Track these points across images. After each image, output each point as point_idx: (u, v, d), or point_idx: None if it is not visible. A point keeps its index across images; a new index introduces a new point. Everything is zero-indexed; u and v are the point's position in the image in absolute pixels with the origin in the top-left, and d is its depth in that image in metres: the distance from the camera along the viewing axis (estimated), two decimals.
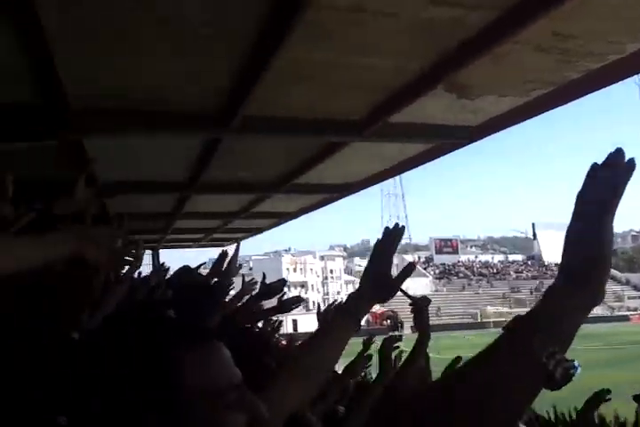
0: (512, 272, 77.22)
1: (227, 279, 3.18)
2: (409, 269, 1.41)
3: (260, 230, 13.39)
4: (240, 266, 3.41)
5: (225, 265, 3.57)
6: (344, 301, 1.35)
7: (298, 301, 3.51)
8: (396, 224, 1.40)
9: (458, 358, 2.24)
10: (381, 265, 1.36)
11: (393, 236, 1.41)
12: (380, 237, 1.40)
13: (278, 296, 3.67)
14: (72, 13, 2.77)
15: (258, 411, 0.89)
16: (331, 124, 4.51)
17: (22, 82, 3.38)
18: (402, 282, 1.35)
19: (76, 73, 3.34)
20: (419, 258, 78.09)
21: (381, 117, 4.32)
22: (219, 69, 3.47)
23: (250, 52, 3.19)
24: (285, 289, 3.81)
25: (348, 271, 73.45)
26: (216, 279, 3.55)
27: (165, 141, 4.88)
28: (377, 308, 52.57)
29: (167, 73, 3.53)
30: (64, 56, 3.06)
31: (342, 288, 63.65)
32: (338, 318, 1.29)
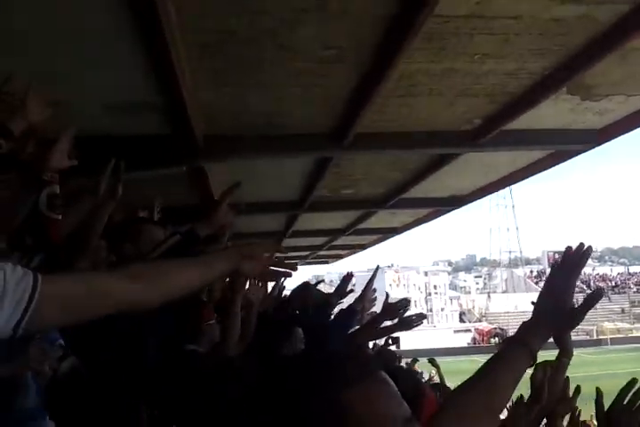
0: (632, 285, 71.82)
1: (359, 304, 3.09)
2: (596, 296, 1.23)
3: (363, 247, 13.42)
4: (375, 290, 3.32)
5: (349, 287, 3.54)
6: (517, 331, 1.19)
7: (421, 317, 3.34)
8: (581, 244, 1.20)
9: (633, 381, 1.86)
10: (562, 292, 1.19)
11: (577, 258, 1.21)
12: (557, 259, 1.23)
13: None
14: (206, 59, 2.96)
15: None
16: (443, 135, 4.44)
17: (154, 115, 3.63)
18: (586, 311, 1.18)
19: (200, 104, 3.54)
20: (530, 272, 74.53)
21: (497, 126, 4.19)
22: (334, 90, 3.53)
23: (366, 68, 3.22)
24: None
25: (453, 287, 71.60)
26: (342, 300, 3.53)
27: (280, 163, 5.02)
28: (483, 325, 50.49)
29: (283, 98, 3.65)
30: (191, 90, 3.25)
31: (446, 304, 62.01)
32: (510, 350, 1.14)
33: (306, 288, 4.12)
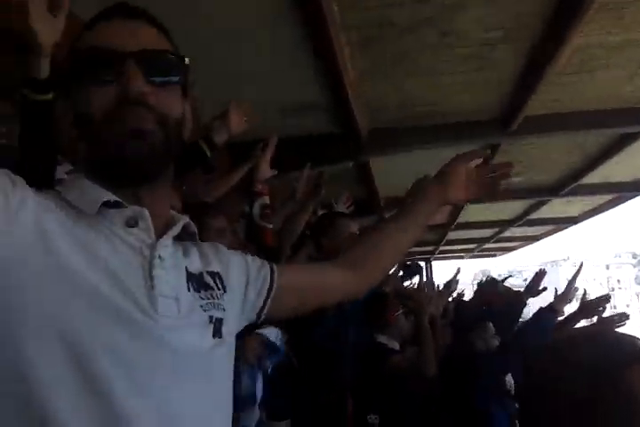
0: None
1: (561, 304, 2.90)
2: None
3: (536, 238, 12.67)
4: (577, 289, 3.12)
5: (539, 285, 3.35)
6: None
7: (624, 317, 2.90)
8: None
9: None
10: None
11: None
12: None
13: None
14: (368, 55, 3.04)
15: None
16: (624, 113, 4.05)
17: (320, 114, 3.80)
18: None
19: (364, 99, 3.63)
20: None
21: None
22: (500, 73, 3.40)
23: (534, 47, 3.06)
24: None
25: (639, 281, 64.68)
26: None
27: (441, 153, 4.95)
28: None
29: (446, 86, 3.60)
30: (354, 87, 3.36)
31: (632, 300, 56.21)
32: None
33: (492, 284, 3.96)
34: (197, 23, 2.66)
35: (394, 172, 5.59)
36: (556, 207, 8.25)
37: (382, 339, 2.82)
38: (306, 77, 3.27)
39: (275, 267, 0.90)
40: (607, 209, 8.78)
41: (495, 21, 2.80)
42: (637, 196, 7.38)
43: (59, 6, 1.20)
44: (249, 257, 0.90)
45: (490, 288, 3.75)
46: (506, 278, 4.05)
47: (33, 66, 1.24)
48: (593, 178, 6.27)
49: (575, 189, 6.70)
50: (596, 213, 9.27)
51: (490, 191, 1.07)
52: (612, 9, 2.73)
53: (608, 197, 7.92)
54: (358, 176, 5.27)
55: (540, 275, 3.35)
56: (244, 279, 0.85)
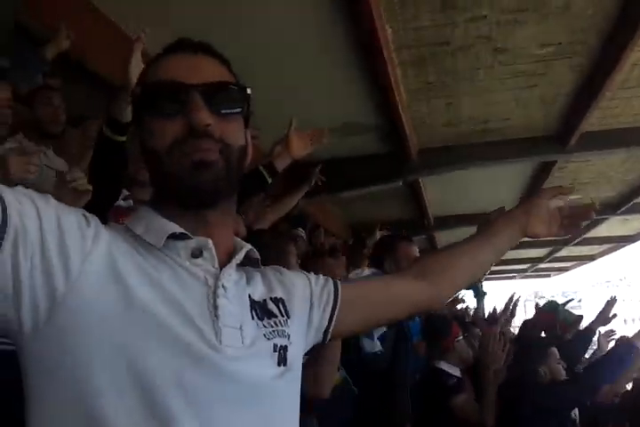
0: None
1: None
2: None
3: (592, 258, 12.23)
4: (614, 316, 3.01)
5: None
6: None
7: None
8: None
9: None
10: None
11: None
12: None
13: None
14: (421, 75, 3.04)
15: None
16: None
17: (372, 135, 3.81)
18: None
19: (414, 119, 3.61)
20: None
21: None
22: (554, 88, 3.33)
23: (591, 62, 2.99)
24: None
25: None
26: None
27: (492, 171, 4.85)
28: None
29: (498, 103, 3.54)
30: (406, 107, 3.34)
31: None
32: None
33: (553, 309, 3.82)
34: (254, 50, 2.72)
35: (445, 191, 5.54)
36: (612, 225, 7.97)
37: (443, 365, 2.74)
38: (359, 98, 3.28)
39: (339, 284, 0.88)
40: None
41: (550, 38, 2.75)
42: None
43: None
44: (312, 277, 0.88)
45: (549, 312, 3.61)
46: (568, 302, 3.88)
47: (119, 108, 1.33)
48: None
49: (634, 206, 6.46)
50: None
51: (569, 231, 1.00)
52: None
53: None
54: (409, 195, 5.23)
55: (612, 302, 3.23)
56: (308, 302, 0.84)
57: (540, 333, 3.46)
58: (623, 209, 6.60)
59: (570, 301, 3.93)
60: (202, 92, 0.68)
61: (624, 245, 10.50)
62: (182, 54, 0.72)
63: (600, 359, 2.74)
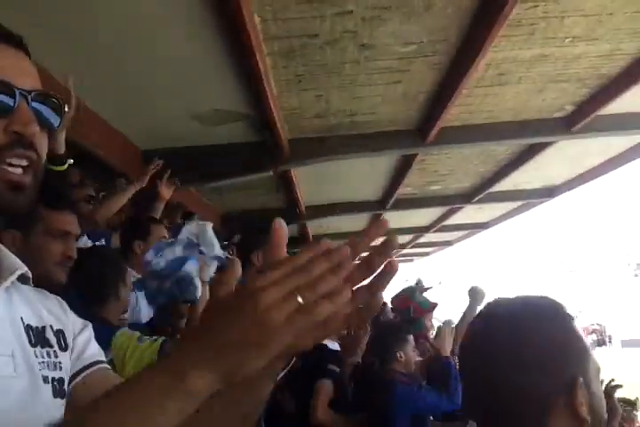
0: None
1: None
2: None
3: (449, 243, 13.14)
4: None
5: None
6: None
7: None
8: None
9: None
10: None
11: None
12: None
13: None
14: (290, 66, 3.02)
15: None
16: (534, 124, 4.26)
17: (241, 124, 3.74)
18: None
19: (284, 110, 3.60)
20: None
21: (591, 111, 3.97)
22: (417, 85, 3.48)
23: (450, 61, 3.15)
24: None
25: None
26: None
27: (362, 163, 5.00)
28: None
29: (365, 97, 3.64)
30: (276, 97, 3.32)
31: None
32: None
33: (410, 293, 4.04)
34: (112, 37, 2.54)
35: (316, 181, 5.62)
36: (468, 213, 8.58)
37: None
38: (228, 86, 3.20)
39: (105, 366, 0.79)
40: (516, 215, 9.25)
41: (412, 36, 2.86)
42: (544, 202, 7.79)
43: None
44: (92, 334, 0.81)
45: (405, 296, 3.83)
46: (427, 289, 4.11)
47: None
48: (503, 186, 6.58)
49: (486, 196, 6.99)
50: (506, 219, 9.74)
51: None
52: (524, 25, 2.86)
53: (517, 204, 8.34)
54: (281, 185, 5.24)
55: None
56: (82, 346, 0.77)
57: (396, 317, 3.65)
58: (477, 198, 7.11)
59: (429, 288, 4.18)
60: (32, 100, 0.64)
61: (478, 232, 11.36)
62: (6, 47, 0.65)
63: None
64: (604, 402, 0.77)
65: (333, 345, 3.46)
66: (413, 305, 3.65)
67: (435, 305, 3.77)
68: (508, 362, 0.76)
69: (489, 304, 0.87)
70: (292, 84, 3.25)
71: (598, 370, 0.78)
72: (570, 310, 0.81)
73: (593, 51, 3.19)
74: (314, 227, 8.15)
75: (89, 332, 0.80)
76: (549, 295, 0.84)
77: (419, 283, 4.02)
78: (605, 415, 0.78)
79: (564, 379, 0.73)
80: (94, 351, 0.79)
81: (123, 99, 3.31)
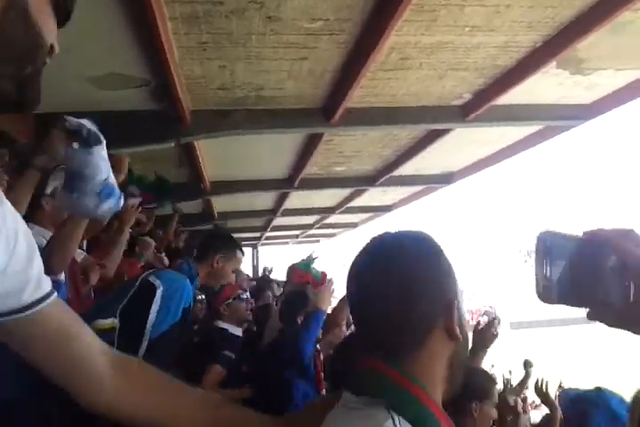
0: None
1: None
2: None
3: (355, 225, 13.45)
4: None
5: None
6: None
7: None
8: None
9: None
10: None
11: None
12: None
13: None
14: (193, 33, 2.92)
15: None
16: (433, 110, 4.42)
17: (141, 90, 3.59)
18: None
19: (187, 79, 3.50)
20: None
21: (487, 100, 4.17)
22: (322, 63, 3.49)
23: (354, 41, 3.19)
24: None
25: None
26: None
27: (268, 139, 4.98)
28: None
29: (271, 71, 3.60)
30: (178, 65, 3.22)
31: None
32: None
33: (306, 267, 4.12)
34: None
35: (222, 155, 5.53)
36: (373, 196, 8.81)
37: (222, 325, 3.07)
38: (127, 50, 3.05)
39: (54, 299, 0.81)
40: (418, 198, 9.61)
41: (319, 12, 2.85)
42: (443, 187, 8.12)
43: None
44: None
45: (303, 270, 3.93)
46: (314, 259, 4.21)
47: None
48: (405, 170, 6.80)
49: (389, 179, 7.20)
50: (410, 202, 10.10)
51: None
52: (427, 11, 2.93)
53: (419, 188, 8.66)
54: (184, 157, 5.11)
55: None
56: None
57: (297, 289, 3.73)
58: (380, 181, 7.30)
59: (316, 258, 4.27)
60: None
61: (383, 214, 11.69)
62: None
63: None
64: (465, 320, 0.84)
65: (235, 330, 3.49)
66: (310, 278, 3.74)
67: (325, 275, 3.87)
68: (388, 293, 0.81)
69: (370, 240, 0.90)
70: (194, 51, 3.16)
71: (462, 292, 0.86)
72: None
73: (490, 41, 3.33)
74: (220, 203, 8.05)
75: None
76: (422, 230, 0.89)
77: (310, 257, 4.11)
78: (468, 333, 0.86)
79: (442, 303, 0.80)
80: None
81: None
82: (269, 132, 4.39)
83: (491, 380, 2.28)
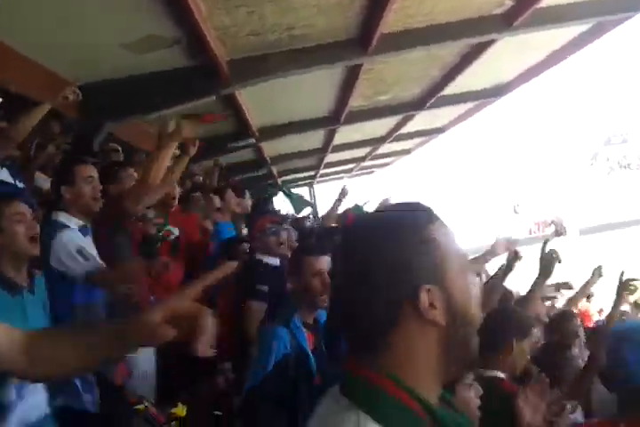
0: None
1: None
2: None
3: (407, 152, 13.25)
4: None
5: None
6: None
7: None
8: None
9: None
10: None
11: None
12: None
13: None
14: None
15: None
16: (475, 23, 4.20)
17: (174, 49, 3.57)
18: None
19: (218, 29, 3.44)
20: None
21: (530, 4, 3.91)
22: None
23: None
24: None
25: None
26: None
27: (308, 78, 4.89)
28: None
29: (299, 8, 3.49)
30: (205, 17, 3.16)
31: None
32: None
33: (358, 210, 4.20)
34: None
35: (264, 101, 5.50)
36: (423, 120, 8.59)
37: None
38: (155, 10, 3.03)
39: None
40: (470, 116, 9.31)
41: None
42: (497, 100, 7.81)
43: None
44: None
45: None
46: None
47: None
48: (454, 88, 6.56)
49: (438, 100, 6.98)
50: (461, 121, 9.80)
51: None
52: None
53: (470, 105, 8.36)
54: (228, 108, 5.12)
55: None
56: None
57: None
58: (430, 103, 7.09)
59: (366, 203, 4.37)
60: None
61: (435, 137, 11.43)
62: None
63: None
64: (472, 300, 0.77)
65: (271, 260, 3.33)
66: None
67: None
68: (355, 276, 0.77)
69: (354, 220, 0.89)
70: (220, 2, 3.09)
71: (464, 268, 0.78)
72: (435, 214, 0.80)
73: None
74: (269, 148, 8.09)
75: None
76: (420, 202, 0.82)
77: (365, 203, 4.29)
78: (476, 311, 0.78)
79: (409, 287, 0.74)
80: None
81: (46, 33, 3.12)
82: (308, 71, 4.32)
83: (528, 319, 2.29)
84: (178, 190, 3.51)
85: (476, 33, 4.31)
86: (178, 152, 2.69)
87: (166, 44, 3.49)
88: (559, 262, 2.70)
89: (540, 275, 2.74)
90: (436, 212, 0.82)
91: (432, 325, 0.74)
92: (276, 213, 4.36)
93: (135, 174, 2.79)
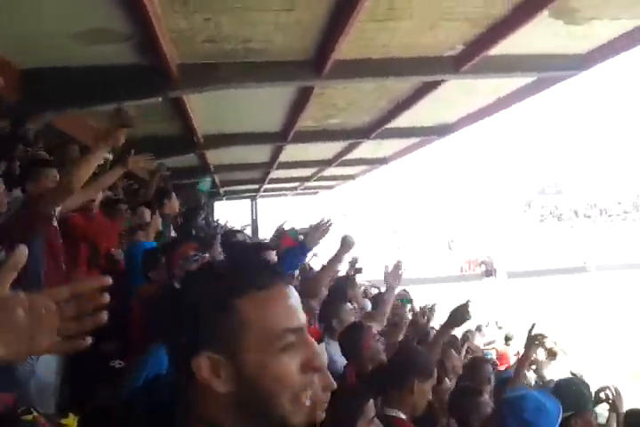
0: None
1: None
2: None
3: (352, 177, 13.44)
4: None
5: None
6: None
7: None
8: None
9: None
10: None
11: None
12: None
13: None
14: None
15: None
16: (426, 62, 4.34)
17: (124, 45, 3.52)
18: None
19: (172, 31, 3.41)
20: None
21: (479, 51, 4.09)
22: (308, 14, 3.40)
23: None
24: None
25: None
26: None
27: (260, 93, 4.91)
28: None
29: (257, 23, 3.52)
30: (160, 17, 3.13)
31: None
32: None
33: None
34: None
35: (213, 109, 5.47)
36: (368, 148, 8.76)
37: None
38: (107, 3, 2.97)
39: None
40: (413, 151, 9.56)
41: None
42: (440, 139, 8.05)
43: None
44: None
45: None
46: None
47: None
48: (400, 122, 6.73)
49: (384, 132, 7.15)
50: (406, 154, 10.05)
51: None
52: None
53: (415, 140, 8.60)
54: (172, 112, 5.06)
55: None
56: None
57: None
58: (376, 134, 7.25)
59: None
60: None
61: (379, 167, 11.65)
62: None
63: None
64: (272, 377, 0.75)
65: None
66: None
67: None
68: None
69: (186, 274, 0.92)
70: (176, 4, 3.08)
71: (273, 346, 0.75)
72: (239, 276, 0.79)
73: None
74: (214, 157, 8.02)
75: None
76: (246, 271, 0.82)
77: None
78: (279, 388, 0.75)
79: (193, 349, 0.75)
80: None
81: None
82: (260, 86, 4.33)
83: (431, 361, 2.35)
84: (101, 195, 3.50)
85: (427, 72, 4.46)
86: (109, 156, 2.67)
87: (118, 39, 3.44)
88: (468, 319, 2.78)
89: (447, 323, 2.82)
90: (264, 282, 0.78)
91: (205, 388, 0.75)
92: (200, 238, 4.31)
93: (57, 176, 2.70)
